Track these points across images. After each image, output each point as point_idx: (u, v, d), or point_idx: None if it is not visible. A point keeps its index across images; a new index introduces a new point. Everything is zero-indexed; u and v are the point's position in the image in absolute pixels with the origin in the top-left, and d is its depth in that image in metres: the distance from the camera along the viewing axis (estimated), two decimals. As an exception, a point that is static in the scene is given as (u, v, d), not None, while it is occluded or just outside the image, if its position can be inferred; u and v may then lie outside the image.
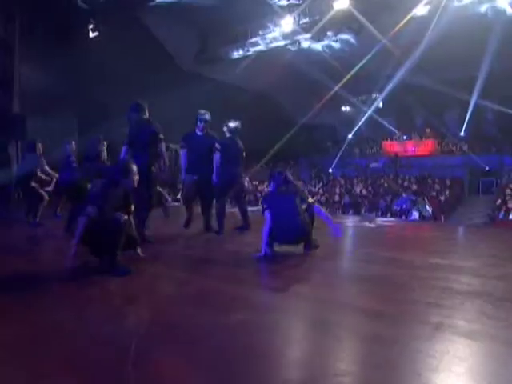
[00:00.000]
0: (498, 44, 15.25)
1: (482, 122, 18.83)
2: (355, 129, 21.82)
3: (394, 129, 20.44)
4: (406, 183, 12.93)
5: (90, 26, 11.44)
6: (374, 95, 21.98)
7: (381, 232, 5.49)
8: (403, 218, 8.49)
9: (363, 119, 21.11)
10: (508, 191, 9.73)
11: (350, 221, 6.43)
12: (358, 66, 16.81)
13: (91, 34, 11.46)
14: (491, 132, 18.50)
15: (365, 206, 9.96)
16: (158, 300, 2.33)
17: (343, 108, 24.08)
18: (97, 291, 2.43)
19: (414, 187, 11.54)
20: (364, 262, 3.37)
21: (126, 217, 2.91)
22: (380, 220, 6.67)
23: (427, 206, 8.45)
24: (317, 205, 3.78)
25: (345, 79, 18.08)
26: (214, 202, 4.59)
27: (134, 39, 12.51)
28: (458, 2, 12.48)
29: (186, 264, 3.24)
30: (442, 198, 10.71)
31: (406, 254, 3.76)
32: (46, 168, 5.32)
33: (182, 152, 4.44)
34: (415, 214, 8.40)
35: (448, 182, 12.84)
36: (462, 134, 18.89)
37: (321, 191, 13.03)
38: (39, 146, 5.37)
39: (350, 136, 22.16)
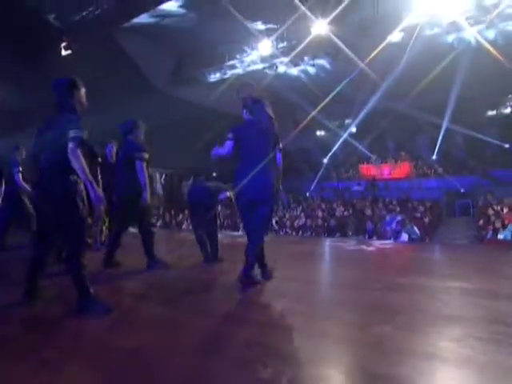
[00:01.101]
0: (466, 73, 15.90)
1: (452, 145, 19.43)
2: (330, 153, 22.01)
3: (368, 152, 20.70)
4: (380, 205, 12.88)
5: (63, 44, 10.98)
6: (347, 120, 22.44)
7: (384, 255, 5.16)
8: (392, 240, 8.24)
9: (338, 143, 21.34)
10: (490, 211, 9.80)
11: (347, 244, 6.09)
12: (334, 92, 17.03)
13: (64, 52, 10.97)
14: (460, 155, 19.08)
15: (351, 229, 9.72)
16: (149, 345, 1.82)
17: (318, 132, 24.34)
18: (70, 339, 1.90)
19: (398, 209, 11.47)
20: (381, 289, 2.97)
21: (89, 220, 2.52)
22: (377, 243, 6.37)
23: (415, 228, 8.28)
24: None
25: (321, 104, 18.25)
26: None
27: (109, 59, 12.12)
28: (429, 31, 12.93)
29: (163, 297, 2.74)
30: (426, 220, 10.68)
31: (423, 278, 3.42)
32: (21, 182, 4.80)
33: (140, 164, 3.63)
34: (404, 236, 8.20)
35: (428, 204, 12.90)
36: (434, 157, 19.38)
37: (302, 215, 12.73)
38: (22, 151, 4.96)
39: (325, 160, 22.31)
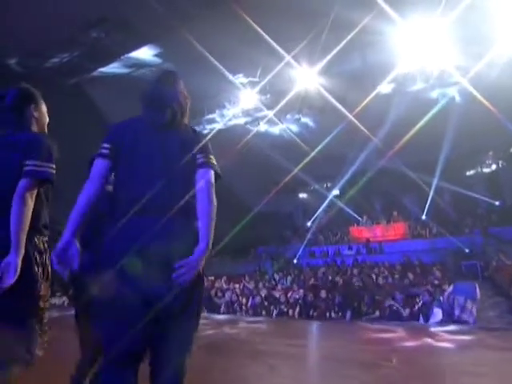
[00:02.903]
0: (451, 129, 15.57)
1: (442, 204, 18.65)
2: (314, 216, 20.85)
3: (354, 214, 19.54)
4: (385, 272, 11.15)
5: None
6: (330, 182, 21.71)
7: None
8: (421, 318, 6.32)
9: (323, 206, 20.26)
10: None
11: (397, 334, 4.18)
12: (316, 150, 16.10)
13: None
14: (452, 214, 18.21)
15: (366, 305, 7.69)
16: None
17: (300, 195, 23.44)
18: None
19: (411, 277, 9.69)
20: None
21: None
22: (439, 330, 4.46)
23: (469, 305, 6.24)
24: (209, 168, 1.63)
25: (302, 163, 17.27)
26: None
27: (75, 110, 10.80)
28: (418, 83, 12.40)
29: None
30: (447, 288, 8.83)
31: None
32: None
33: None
34: (437, 313, 6.32)
35: (438, 268, 11.26)
36: (423, 216, 18.49)
37: (295, 286, 10.72)
38: None
39: (309, 224, 21.07)
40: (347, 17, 10.47)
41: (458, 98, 14.85)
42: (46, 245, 1.74)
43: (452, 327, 5.38)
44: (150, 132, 1.65)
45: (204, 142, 1.69)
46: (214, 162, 1.69)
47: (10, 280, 1.48)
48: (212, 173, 1.64)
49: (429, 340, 3.71)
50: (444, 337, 3.89)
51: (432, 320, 6.32)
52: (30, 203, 1.62)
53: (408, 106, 13.32)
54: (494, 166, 19.94)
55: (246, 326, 6.17)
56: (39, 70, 10.91)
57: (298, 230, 21.40)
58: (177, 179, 1.56)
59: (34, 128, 1.89)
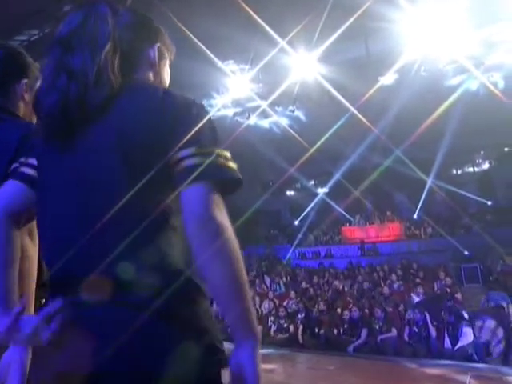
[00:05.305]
0: (450, 125, 14.90)
1: (435, 203, 18.12)
2: (302, 214, 20.06)
3: (345, 213, 18.75)
4: (391, 276, 10.36)
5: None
6: (316, 181, 21.02)
7: None
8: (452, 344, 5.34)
9: (312, 204, 19.45)
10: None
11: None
12: (313, 145, 15.14)
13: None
14: (444, 213, 17.69)
15: (378, 320, 6.71)
16: None
17: (287, 192, 22.60)
18: None
19: (418, 281, 8.85)
20: None
21: None
22: None
23: None
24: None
25: (294, 160, 16.31)
26: None
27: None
28: (426, 75, 11.54)
29: None
30: (459, 297, 8.07)
31: None
32: None
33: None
34: (467, 333, 5.32)
35: (443, 271, 10.50)
36: (415, 216, 17.93)
37: (292, 293, 9.69)
38: None
39: (296, 222, 20.29)
40: (350, -1, 9.50)
41: (463, 92, 13.91)
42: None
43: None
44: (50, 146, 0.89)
45: (188, 114, 0.86)
46: (221, 160, 0.85)
47: None
48: (211, 191, 0.80)
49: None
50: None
51: (461, 343, 5.43)
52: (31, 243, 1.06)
53: (410, 99, 12.56)
54: (485, 166, 19.58)
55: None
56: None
57: (285, 229, 20.55)
58: (113, 222, 0.77)
59: (21, 115, 1.28)
